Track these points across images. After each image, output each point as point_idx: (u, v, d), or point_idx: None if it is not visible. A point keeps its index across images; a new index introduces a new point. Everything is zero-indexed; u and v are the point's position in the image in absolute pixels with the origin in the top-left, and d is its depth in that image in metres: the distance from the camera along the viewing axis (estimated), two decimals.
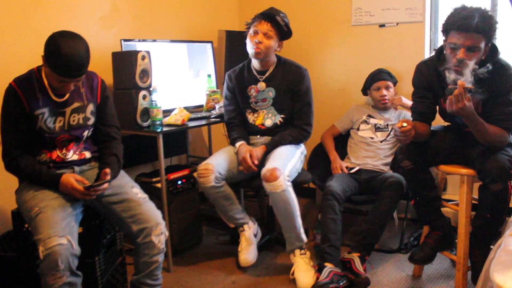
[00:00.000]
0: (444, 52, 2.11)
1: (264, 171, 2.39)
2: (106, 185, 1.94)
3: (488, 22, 1.97)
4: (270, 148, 2.58)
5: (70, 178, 1.88)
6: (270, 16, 2.53)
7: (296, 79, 2.64)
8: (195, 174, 2.67)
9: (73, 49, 1.78)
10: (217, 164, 2.51)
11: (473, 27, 1.95)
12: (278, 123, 2.69)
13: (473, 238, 2.17)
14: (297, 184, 2.60)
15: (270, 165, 2.40)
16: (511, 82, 2.06)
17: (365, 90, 3.06)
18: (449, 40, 2.06)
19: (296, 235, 2.46)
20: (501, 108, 2.07)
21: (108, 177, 1.93)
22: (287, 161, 2.48)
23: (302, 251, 2.47)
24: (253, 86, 2.67)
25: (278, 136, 2.61)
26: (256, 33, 2.54)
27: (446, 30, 2.07)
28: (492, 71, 2.02)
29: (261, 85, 2.66)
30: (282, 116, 2.68)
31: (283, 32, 2.58)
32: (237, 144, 2.62)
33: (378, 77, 2.94)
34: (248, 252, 2.59)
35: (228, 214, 2.60)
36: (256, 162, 2.51)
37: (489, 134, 2.05)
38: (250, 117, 2.71)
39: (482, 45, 2.00)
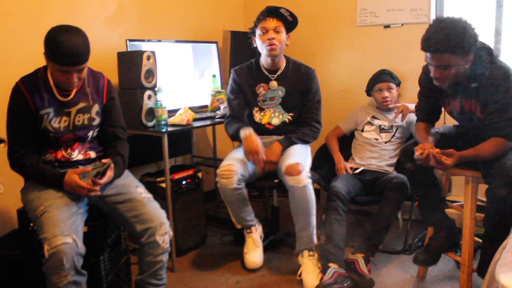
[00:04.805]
0: None
1: (286, 165, 2.39)
2: (110, 173, 1.94)
3: (454, 39, 1.91)
4: (286, 146, 2.57)
5: (74, 176, 1.88)
6: (274, 11, 2.56)
7: (307, 78, 2.69)
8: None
9: (69, 37, 1.80)
10: (239, 165, 2.47)
11: (434, 49, 1.95)
12: (287, 121, 2.71)
13: (486, 236, 2.16)
14: None
15: (292, 160, 2.41)
16: (508, 86, 2.01)
17: (369, 91, 3.06)
18: (425, 57, 2.08)
19: (308, 235, 2.46)
20: (499, 115, 2.04)
21: (108, 160, 1.93)
22: (305, 159, 2.50)
23: (311, 253, 2.47)
24: (262, 84, 2.68)
25: (293, 135, 2.61)
26: (265, 31, 2.56)
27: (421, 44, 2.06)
28: (488, 75, 2.01)
29: (273, 84, 2.67)
30: (290, 114, 2.71)
31: (289, 24, 2.60)
32: (246, 131, 2.52)
33: (380, 78, 2.95)
34: (255, 255, 2.59)
35: (240, 215, 2.58)
36: (270, 159, 2.47)
37: (489, 154, 2.05)
38: (257, 115, 2.70)
39: (455, 60, 1.97)
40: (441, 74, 2.03)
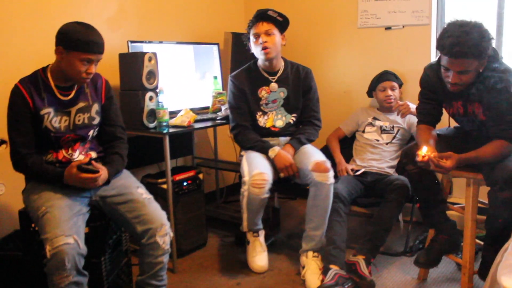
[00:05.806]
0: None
1: (314, 162, 2.42)
2: (103, 174, 1.93)
3: (477, 45, 1.90)
4: (297, 148, 2.62)
5: (74, 169, 1.87)
6: (262, 15, 2.57)
7: (308, 78, 2.72)
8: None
9: (89, 27, 1.91)
10: (270, 173, 2.44)
11: (460, 54, 1.92)
12: (291, 122, 2.73)
13: (488, 238, 2.16)
14: (302, 186, 2.61)
15: (318, 158, 2.45)
16: (508, 88, 2.01)
17: (370, 92, 3.06)
18: (441, 60, 2.05)
19: (319, 235, 2.46)
20: (501, 117, 2.04)
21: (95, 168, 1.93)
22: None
23: (315, 254, 2.48)
24: (264, 87, 2.68)
25: (301, 136, 2.65)
26: (257, 36, 2.57)
27: (438, 49, 2.04)
28: (491, 76, 2.01)
29: (273, 85, 2.68)
30: (293, 115, 2.73)
31: (281, 24, 2.60)
32: (276, 149, 2.56)
33: (384, 77, 2.95)
34: (263, 258, 2.60)
35: (255, 220, 2.57)
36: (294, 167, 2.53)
37: (490, 156, 2.04)
38: (261, 120, 2.70)
39: (474, 65, 1.96)
40: (460, 79, 2.01)
